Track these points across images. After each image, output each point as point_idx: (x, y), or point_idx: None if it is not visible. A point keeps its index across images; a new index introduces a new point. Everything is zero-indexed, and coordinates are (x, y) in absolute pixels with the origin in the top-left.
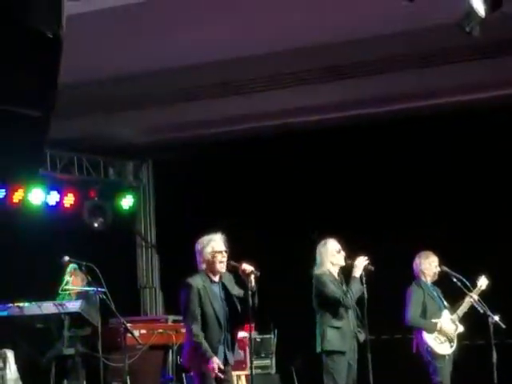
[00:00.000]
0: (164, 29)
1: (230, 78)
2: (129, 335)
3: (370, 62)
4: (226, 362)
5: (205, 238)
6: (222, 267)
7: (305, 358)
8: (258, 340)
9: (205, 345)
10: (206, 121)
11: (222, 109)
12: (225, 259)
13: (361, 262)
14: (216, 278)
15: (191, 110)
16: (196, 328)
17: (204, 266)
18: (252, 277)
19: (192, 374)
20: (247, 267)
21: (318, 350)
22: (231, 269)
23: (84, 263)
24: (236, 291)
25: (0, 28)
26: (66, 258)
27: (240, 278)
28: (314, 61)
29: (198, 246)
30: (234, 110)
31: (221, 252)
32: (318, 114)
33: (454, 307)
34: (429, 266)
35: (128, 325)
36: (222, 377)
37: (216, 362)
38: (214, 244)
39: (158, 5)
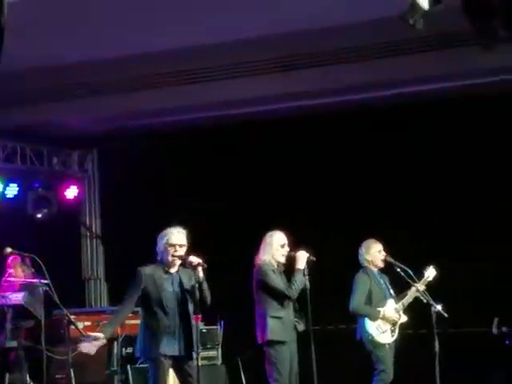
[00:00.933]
0: (113, 15)
1: (179, 68)
2: (72, 327)
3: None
4: (179, 352)
5: (164, 231)
6: (174, 260)
7: (253, 349)
8: (204, 331)
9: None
10: (152, 110)
11: (169, 98)
12: (178, 253)
13: (303, 255)
14: (171, 270)
15: (137, 99)
16: (122, 305)
17: (159, 258)
18: (199, 269)
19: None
20: (194, 259)
21: (260, 340)
22: (183, 261)
23: (27, 254)
24: (188, 284)
25: None
26: (8, 250)
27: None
28: (268, 51)
29: (157, 238)
30: (180, 99)
31: (174, 245)
32: (269, 103)
33: (399, 296)
34: (374, 253)
35: (72, 317)
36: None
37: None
38: (170, 237)
39: None
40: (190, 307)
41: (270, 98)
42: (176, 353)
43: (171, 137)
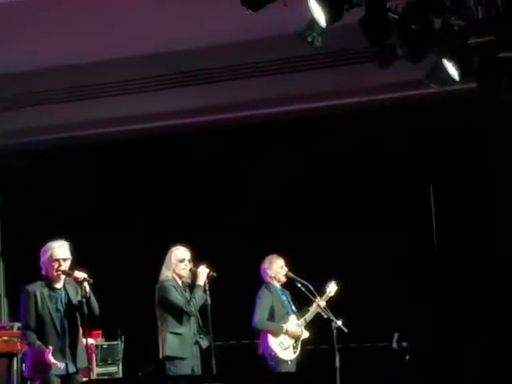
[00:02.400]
0: (11, 32)
1: (77, 83)
2: None
3: (211, 69)
4: (67, 370)
5: (46, 245)
6: (59, 274)
7: (155, 364)
8: (105, 346)
9: (37, 342)
10: (49, 126)
11: (64, 114)
12: (62, 267)
13: (203, 270)
14: (57, 285)
15: (31, 115)
16: (29, 333)
17: (43, 273)
18: (85, 284)
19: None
20: (79, 274)
21: (161, 356)
22: (66, 275)
23: None
24: (75, 299)
25: None
26: None
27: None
28: (162, 67)
29: (40, 253)
30: (77, 115)
31: (58, 260)
32: (165, 119)
33: (301, 312)
34: (275, 269)
35: None
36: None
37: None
38: (53, 251)
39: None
40: (79, 322)
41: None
42: (64, 372)
43: (69, 153)
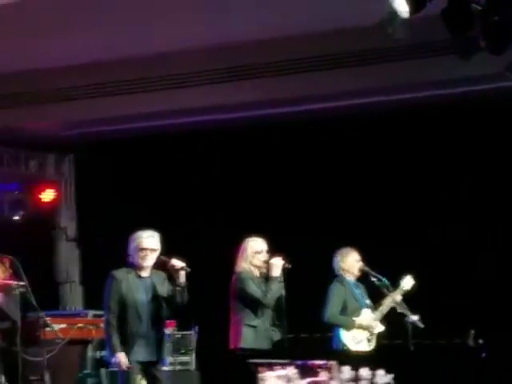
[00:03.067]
0: (89, 20)
1: (153, 74)
2: (48, 329)
3: (270, 63)
4: (148, 358)
5: (137, 234)
6: (148, 263)
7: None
8: (178, 336)
9: (114, 338)
10: (127, 116)
11: (144, 104)
12: (150, 256)
13: (278, 262)
14: (143, 273)
15: (112, 104)
16: (110, 318)
17: (130, 260)
18: (182, 273)
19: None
20: (177, 263)
21: (233, 347)
22: (160, 263)
23: (5, 256)
24: (164, 290)
25: None
26: None
27: (169, 273)
28: (215, 61)
29: (131, 240)
30: (154, 105)
31: (145, 249)
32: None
33: (376, 306)
34: (350, 262)
35: (47, 319)
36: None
37: (121, 358)
38: (140, 240)
39: None
40: (162, 312)
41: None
42: (145, 359)
43: (146, 142)
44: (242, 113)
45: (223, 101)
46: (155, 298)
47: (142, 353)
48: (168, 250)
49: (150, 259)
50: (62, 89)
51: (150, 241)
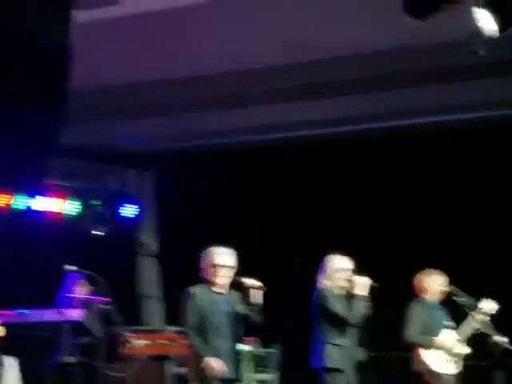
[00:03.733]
0: (171, 38)
1: (234, 90)
2: (129, 345)
3: (368, 78)
4: (229, 375)
5: (210, 249)
6: (221, 281)
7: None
8: (261, 354)
9: (202, 346)
10: (209, 131)
11: (224, 120)
12: (226, 274)
13: (365, 280)
14: (219, 290)
15: (194, 119)
16: (192, 334)
17: (205, 276)
18: (259, 293)
19: None
20: (252, 282)
21: (317, 366)
22: (236, 283)
23: (87, 272)
24: (241, 308)
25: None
26: (68, 267)
27: (245, 293)
28: (313, 76)
29: (202, 256)
30: (236, 121)
31: (222, 266)
32: (318, 128)
33: (460, 327)
34: (432, 283)
35: (128, 335)
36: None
37: (212, 363)
38: (215, 257)
39: (171, 15)
40: (239, 330)
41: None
42: (233, 376)
43: (228, 157)
44: (331, 129)
45: (306, 117)
46: (234, 315)
47: (230, 370)
48: (248, 266)
49: (223, 276)
50: (146, 103)
51: (223, 258)
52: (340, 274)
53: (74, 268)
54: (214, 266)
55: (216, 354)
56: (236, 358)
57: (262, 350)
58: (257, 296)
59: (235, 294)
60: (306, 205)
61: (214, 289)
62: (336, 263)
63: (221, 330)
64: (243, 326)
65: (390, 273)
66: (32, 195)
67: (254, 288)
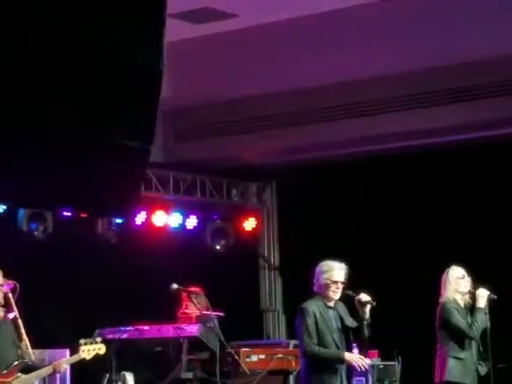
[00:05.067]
0: (287, 51)
1: (353, 100)
2: (248, 360)
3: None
4: None
5: (325, 264)
6: (335, 295)
7: None
8: (381, 367)
9: (324, 350)
10: (329, 143)
11: (345, 130)
12: (339, 290)
13: (484, 292)
14: (330, 304)
15: (314, 132)
16: (314, 346)
17: (319, 291)
18: (368, 307)
19: None
20: (364, 297)
21: (438, 380)
22: (345, 298)
23: (193, 290)
24: (349, 322)
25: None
26: (175, 286)
27: (354, 308)
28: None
29: (318, 270)
30: (357, 131)
31: (337, 282)
32: (437, 136)
33: None
34: None
35: (247, 349)
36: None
37: (350, 356)
38: (333, 273)
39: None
40: (348, 343)
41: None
42: None
43: (347, 169)
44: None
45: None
46: (344, 329)
47: None
48: (367, 279)
49: (337, 292)
50: (266, 117)
51: (340, 273)
52: (461, 287)
53: (180, 287)
54: (334, 282)
55: (332, 370)
56: (346, 373)
57: (382, 363)
58: (366, 310)
59: (342, 307)
60: (424, 216)
61: (327, 302)
62: (457, 275)
63: (336, 344)
64: (361, 340)
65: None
66: (151, 211)
67: (369, 304)
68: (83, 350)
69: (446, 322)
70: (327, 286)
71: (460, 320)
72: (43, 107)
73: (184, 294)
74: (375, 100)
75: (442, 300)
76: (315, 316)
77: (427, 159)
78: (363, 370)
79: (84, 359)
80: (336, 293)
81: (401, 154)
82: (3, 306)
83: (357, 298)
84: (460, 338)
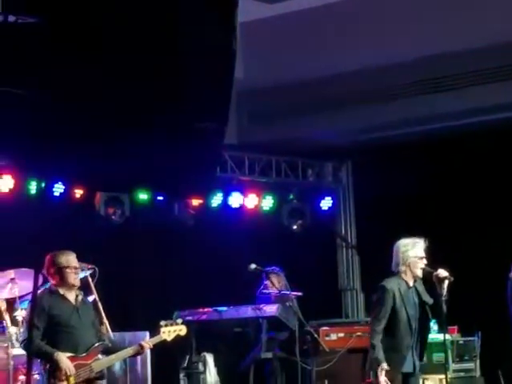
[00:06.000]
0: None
1: (430, 76)
2: (327, 338)
3: None
4: (414, 369)
5: (409, 241)
6: (420, 273)
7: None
8: (461, 343)
9: (378, 348)
10: (405, 120)
11: (419, 108)
12: (422, 265)
13: None
14: (411, 283)
15: (389, 110)
16: (378, 329)
17: (403, 269)
18: (446, 283)
19: None
20: (442, 273)
21: None
22: (425, 274)
23: (270, 270)
24: (427, 298)
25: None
26: (253, 266)
27: (431, 285)
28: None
29: (400, 248)
30: (434, 108)
31: (423, 258)
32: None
33: None
34: None
35: (326, 328)
36: None
37: (384, 369)
38: (418, 250)
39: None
40: (425, 321)
41: None
42: (411, 370)
43: (420, 148)
44: None
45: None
46: (422, 307)
47: (409, 364)
48: (445, 256)
49: (419, 268)
50: (340, 97)
51: (420, 250)
52: None
53: (258, 267)
54: (417, 258)
55: (407, 350)
56: (420, 351)
57: (462, 339)
58: (444, 286)
59: (420, 284)
60: (504, 191)
61: (408, 281)
62: None
63: (413, 326)
64: (440, 317)
65: None
66: (228, 192)
67: (447, 279)
68: (164, 332)
69: None
70: (415, 263)
71: None
72: (121, 95)
73: (262, 274)
74: (455, 75)
75: (510, 275)
76: (394, 295)
77: (503, 135)
78: None
79: (165, 340)
80: (418, 269)
81: (477, 131)
82: (83, 290)
83: (435, 273)
84: None
